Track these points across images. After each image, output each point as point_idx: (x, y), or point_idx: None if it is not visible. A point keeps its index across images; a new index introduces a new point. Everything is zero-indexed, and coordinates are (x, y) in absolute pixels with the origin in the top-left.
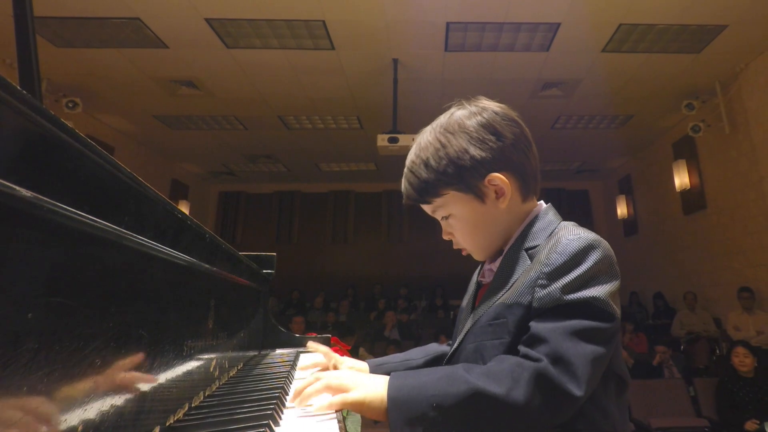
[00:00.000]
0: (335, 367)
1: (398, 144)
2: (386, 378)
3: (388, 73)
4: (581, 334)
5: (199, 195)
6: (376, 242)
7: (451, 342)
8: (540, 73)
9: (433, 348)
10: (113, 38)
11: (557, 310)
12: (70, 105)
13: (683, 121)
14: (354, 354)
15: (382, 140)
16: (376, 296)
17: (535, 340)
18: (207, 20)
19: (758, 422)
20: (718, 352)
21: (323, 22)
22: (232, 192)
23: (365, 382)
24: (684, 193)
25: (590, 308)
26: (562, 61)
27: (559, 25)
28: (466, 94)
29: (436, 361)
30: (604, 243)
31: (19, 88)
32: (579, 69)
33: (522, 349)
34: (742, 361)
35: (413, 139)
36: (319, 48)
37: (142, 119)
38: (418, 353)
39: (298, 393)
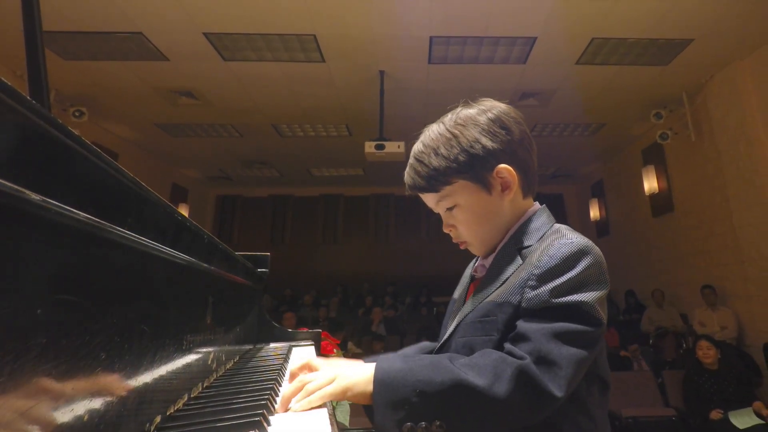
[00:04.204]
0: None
1: (384, 150)
2: (372, 364)
3: (375, 84)
4: (565, 337)
5: (198, 198)
6: (364, 243)
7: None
8: (518, 84)
9: (426, 345)
10: (117, 51)
11: (544, 311)
12: (77, 114)
13: (652, 129)
14: (343, 347)
15: (369, 147)
16: (364, 294)
17: (520, 339)
18: (205, 34)
19: (722, 411)
20: (684, 346)
21: (314, 36)
22: (229, 195)
23: (349, 370)
24: (653, 196)
25: (577, 312)
26: (539, 72)
27: (535, 39)
28: (448, 103)
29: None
30: (596, 249)
31: (29, 98)
32: (554, 80)
33: (507, 346)
34: (706, 353)
35: (398, 147)
36: (310, 60)
37: (144, 127)
38: (412, 349)
39: (285, 401)
